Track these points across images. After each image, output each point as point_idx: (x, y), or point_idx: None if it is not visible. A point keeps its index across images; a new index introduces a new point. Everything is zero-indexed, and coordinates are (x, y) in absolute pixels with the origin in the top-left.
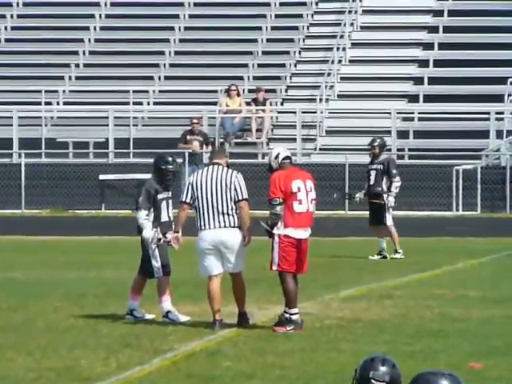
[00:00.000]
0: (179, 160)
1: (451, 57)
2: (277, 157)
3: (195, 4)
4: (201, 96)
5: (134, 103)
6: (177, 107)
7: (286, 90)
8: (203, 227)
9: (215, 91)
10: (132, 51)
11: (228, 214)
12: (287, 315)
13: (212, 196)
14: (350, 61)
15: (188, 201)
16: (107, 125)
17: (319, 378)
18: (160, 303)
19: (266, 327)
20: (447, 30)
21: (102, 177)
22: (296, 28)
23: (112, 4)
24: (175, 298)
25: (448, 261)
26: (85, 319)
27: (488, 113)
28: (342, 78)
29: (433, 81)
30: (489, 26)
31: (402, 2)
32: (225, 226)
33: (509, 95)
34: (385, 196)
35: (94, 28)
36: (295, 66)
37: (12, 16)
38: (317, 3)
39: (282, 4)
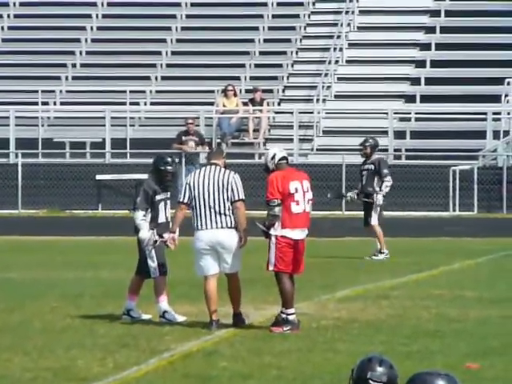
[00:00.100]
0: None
1: (448, 57)
2: (273, 157)
3: (192, 4)
4: (198, 96)
5: (131, 103)
6: (174, 107)
7: (283, 91)
8: (200, 227)
9: (212, 91)
10: (129, 51)
11: (225, 215)
12: (284, 315)
13: (209, 196)
14: (347, 61)
15: (185, 201)
16: (104, 125)
17: (316, 378)
18: (157, 303)
19: (263, 327)
20: (444, 30)
21: (98, 177)
22: (293, 28)
23: (109, 4)
24: (172, 298)
25: (445, 261)
26: (81, 319)
27: (485, 113)
28: (338, 79)
29: (430, 81)
30: (486, 27)
31: (399, 2)
32: (222, 227)
33: (506, 96)
34: (375, 195)
35: (91, 28)
36: (292, 66)
37: (9, 16)
38: (314, 3)
39: (278, 4)
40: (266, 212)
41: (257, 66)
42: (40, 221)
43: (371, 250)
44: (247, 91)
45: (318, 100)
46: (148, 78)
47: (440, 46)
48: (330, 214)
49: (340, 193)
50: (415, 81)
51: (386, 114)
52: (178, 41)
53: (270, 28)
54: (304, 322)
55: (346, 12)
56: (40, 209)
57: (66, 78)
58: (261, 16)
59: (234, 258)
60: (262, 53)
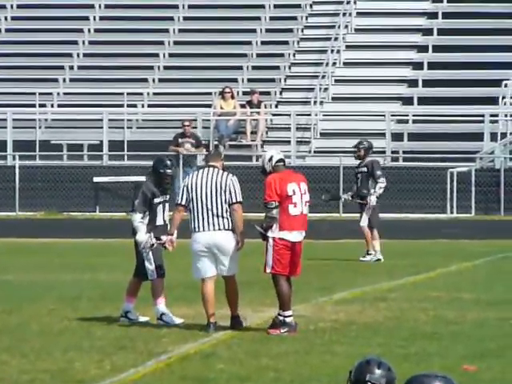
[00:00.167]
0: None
1: (445, 59)
2: (270, 159)
3: (190, 6)
4: (195, 98)
5: (129, 105)
6: (171, 109)
7: (281, 93)
8: (197, 229)
9: (209, 93)
10: (126, 53)
11: (222, 217)
12: (281, 318)
13: (206, 198)
14: (345, 63)
15: (183, 203)
16: (101, 127)
17: (313, 380)
18: (154, 305)
19: (260, 330)
20: (441, 32)
21: (96, 179)
22: (290, 30)
23: (106, 6)
24: (169, 301)
25: (442, 263)
26: (79, 322)
27: (482, 115)
28: (336, 81)
29: (427, 83)
30: (483, 29)
31: (397, 4)
32: (219, 229)
33: (503, 97)
34: (368, 197)
35: (88, 30)
36: (289, 68)
37: (6, 18)
38: (311, 5)
39: (276, 6)
40: (263, 214)
41: (254, 68)
42: (37, 223)
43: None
44: (245, 93)
45: (315, 102)
46: (145, 80)
47: (437, 48)
48: (328, 216)
49: (335, 195)
50: (413, 83)
51: (384, 116)
52: (176, 43)
53: (268, 30)
54: (301, 324)
55: (344, 14)
56: (37, 211)
57: (64, 80)
58: (258, 18)
59: (230, 261)
60: (259, 55)
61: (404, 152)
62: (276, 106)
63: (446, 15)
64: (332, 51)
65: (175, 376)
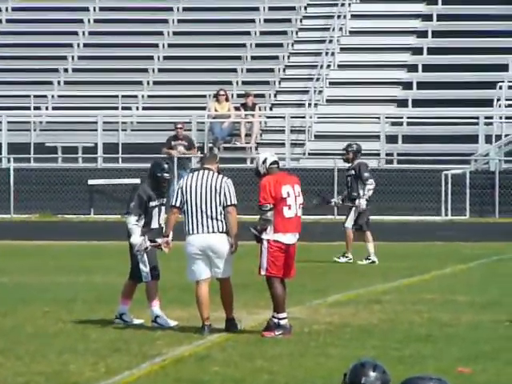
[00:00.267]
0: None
1: (440, 61)
2: (264, 162)
3: (184, 9)
4: (189, 101)
5: (123, 108)
6: (166, 112)
7: (275, 95)
8: (191, 232)
9: (204, 96)
10: (121, 56)
11: (217, 219)
12: (276, 320)
13: (201, 201)
14: (339, 66)
15: (178, 205)
16: (96, 130)
17: (308, 382)
18: (149, 308)
19: (255, 332)
20: (436, 34)
21: (90, 182)
22: (285, 33)
23: (101, 9)
24: (164, 303)
25: (437, 265)
26: (74, 324)
27: (477, 117)
28: (330, 83)
29: (422, 85)
30: (478, 31)
31: (391, 6)
32: (213, 231)
33: (498, 100)
34: (357, 200)
35: (83, 33)
36: (284, 70)
37: (1, 21)
38: (305, 8)
39: (270, 9)
40: (257, 216)
41: (249, 70)
42: (32, 225)
43: (364, 255)
44: (239, 96)
45: (309, 105)
46: (140, 82)
47: (432, 50)
48: (322, 219)
49: (325, 199)
50: (407, 85)
51: (378, 118)
52: (170, 45)
53: (262, 33)
54: (296, 327)
55: (338, 16)
56: (32, 213)
57: (58, 82)
58: (252, 21)
59: (225, 263)
60: (253, 57)
61: (398, 154)
62: (270, 109)
63: (440, 17)
64: (326, 53)
65: (170, 378)
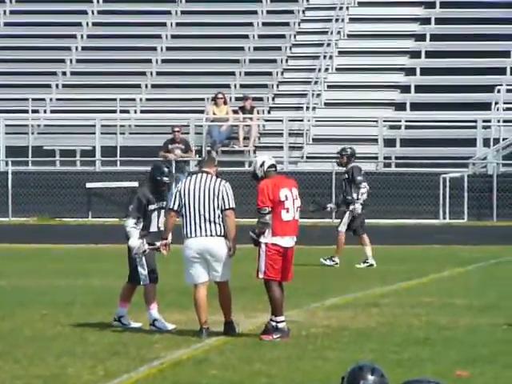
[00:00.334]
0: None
1: (438, 65)
2: (262, 165)
3: (182, 12)
4: (188, 104)
5: (121, 111)
6: (164, 115)
7: (273, 99)
8: (189, 235)
9: (202, 99)
10: (119, 59)
11: (215, 223)
12: (273, 323)
13: (199, 204)
14: (337, 69)
15: (175, 208)
16: (94, 133)
17: None
18: (147, 311)
19: (253, 335)
20: (434, 38)
21: (88, 185)
22: (283, 36)
23: (99, 12)
24: (162, 307)
25: (435, 269)
26: (72, 327)
27: (475, 121)
28: (328, 87)
29: (420, 89)
30: (476, 34)
31: (389, 10)
32: (211, 235)
33: (496, 103)
34: (352, 205)
35: (81, 36)
36: (282, 74)
37: None
38: (304, 11)
39: (269, 12)
40: (255, 220)
41: (247, 73)
42: (30, 229)
43: (361, 258)
44: (237, 99)
45: (307, 108)
46: (138, 86)
47: (430, 54)
48: (319, 222)
49: (321, 205)
50: (405, 88)
51: (376, 121)
52: (168, 49)
53: (260, 36)
54: (294, 330)
55: (336, 20)
56: (30, 216)
57: (57, 86)
58: (251, 24)
59: (223, 267)
60: (252, 61)
61: (396, 158)
62: (269, 112)
63: (438, 21)
64: (325, 57)
65: (168, 382)
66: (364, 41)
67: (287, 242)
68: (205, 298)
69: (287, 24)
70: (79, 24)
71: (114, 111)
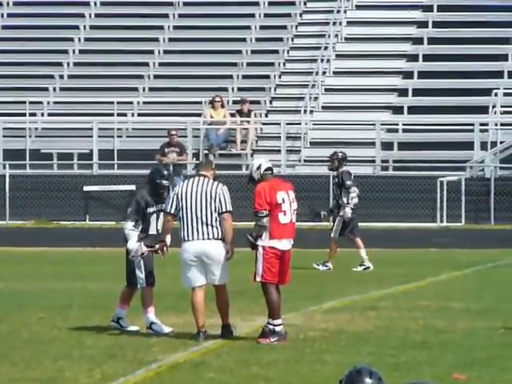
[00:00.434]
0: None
1: (435, 68)
2: (259, 168)
3: (180, 15)
4: (185, 107)
5: (119, 114)
6: (161, 118)
7: (271, 102)
8: (187, 238)
9: (199, 102)
10: (116, 62)
11: (212, 226)
12: (271, 326)
13: (196, 207)
14: (335, 72)
15: (172, 211)
16: (91, 136)
17: None
18: (144, 314)
19: (250, 338)
20: (432, 41)
21: (86, 188)
22: (280, 39)
23: (96, 15)
24: (159, 310)
25: (432, 272)
26: (69, 330)
27: (472, 124)
28: (326, 90)
29: (417, 92)
30: (473, 38)
31: (387, 13)
32: (208, 238)
33: (493, 106)
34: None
35: (79, 39)
36: (279, 77)
37: None
38: (301, 15)
39: (266, 15)
40: (253, 223)
41: (244, 77)
42: (27, 232)
43: (358, 261)
44: (235, 102)
45: (305, 111)
46: (135, 89)
47: (427, 57)
48: (317, 226)
49: (317, 213)
50: (402, 92)
51: (374, 125)
52: (166, 52)
53: (258, 39)
54: (291, 333)
55: (334, 23)
56: (28, 220)
57: (54, 89)
58: (248, 27)
59: (221, 270)
60: (249, 64)
61: (394, 161)
62: (266, 115)
63: (436, 24)
64: (322, 60)
65: None
66: (361, 44)
67: (284, 244)
68: (202, 302)
69: (285, 27)
70: (76, 27)
71: (112, 114)
